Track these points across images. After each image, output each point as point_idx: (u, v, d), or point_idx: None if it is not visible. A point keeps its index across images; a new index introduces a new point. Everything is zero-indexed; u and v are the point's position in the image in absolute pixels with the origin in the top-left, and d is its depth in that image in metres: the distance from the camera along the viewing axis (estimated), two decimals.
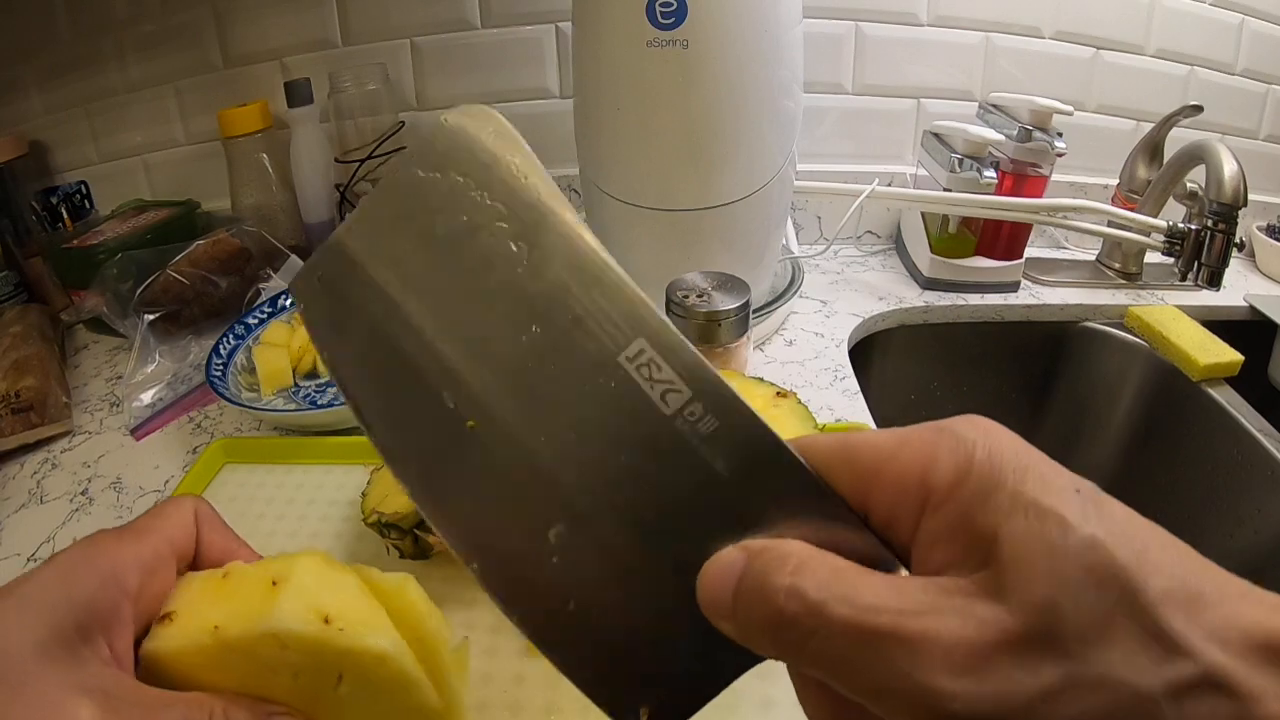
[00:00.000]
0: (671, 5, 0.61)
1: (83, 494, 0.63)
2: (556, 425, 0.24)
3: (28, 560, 0.56)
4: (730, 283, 0.59)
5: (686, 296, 0.57)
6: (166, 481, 0.63)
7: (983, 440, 0.21)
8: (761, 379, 0.52)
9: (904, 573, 0.22)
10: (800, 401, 0.49)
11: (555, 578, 0.23)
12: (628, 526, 0.23)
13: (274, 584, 0.28)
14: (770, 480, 0.22)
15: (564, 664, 0.24)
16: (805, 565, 0.20)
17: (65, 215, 0.94)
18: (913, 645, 0.18)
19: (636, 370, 0.23)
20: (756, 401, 0.49)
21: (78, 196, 0.95)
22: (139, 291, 0.76)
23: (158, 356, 0.75)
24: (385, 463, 0.25)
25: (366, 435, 0.26)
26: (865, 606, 0.19)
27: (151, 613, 0.28)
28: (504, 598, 0.24)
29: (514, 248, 0.24)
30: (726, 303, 0.57)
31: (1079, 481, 0.20)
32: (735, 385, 0.50)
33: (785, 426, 0.47)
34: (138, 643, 0.27)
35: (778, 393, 0.50)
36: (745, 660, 0.22)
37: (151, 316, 0.75)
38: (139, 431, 0.70)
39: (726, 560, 0.22)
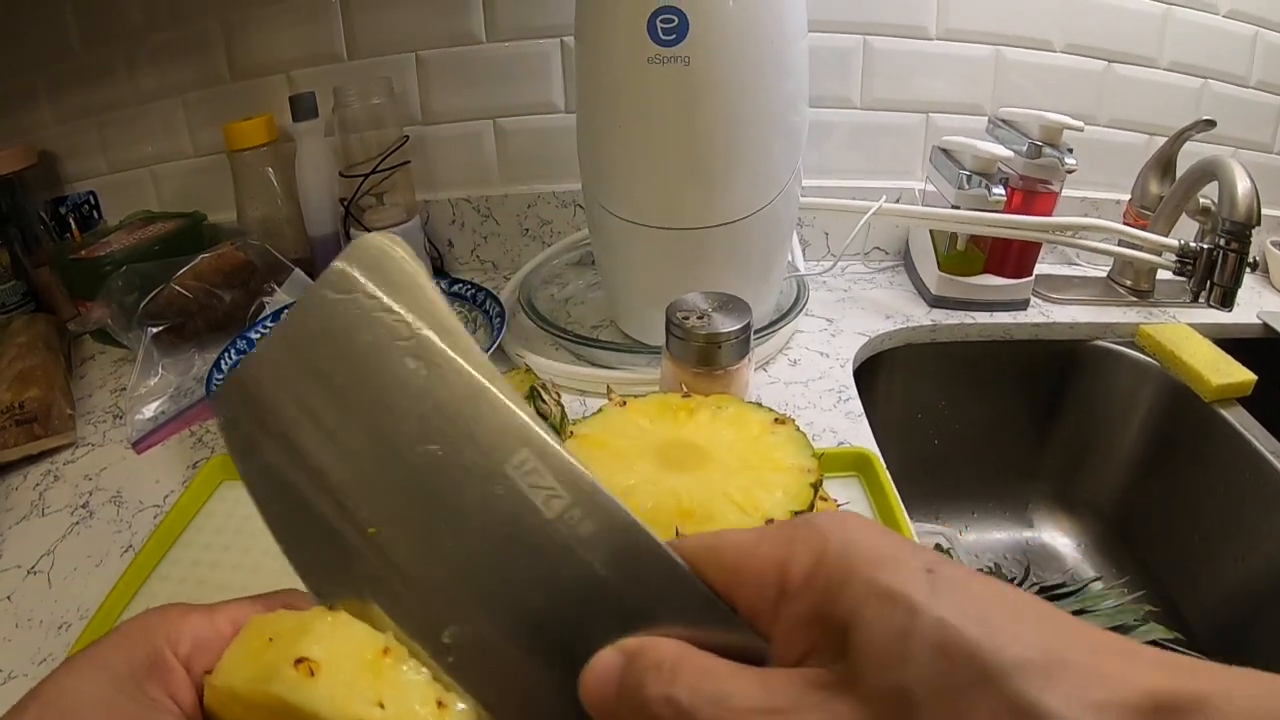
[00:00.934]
0: (673, 21, 0.61)
1: (83, 507, 0.63)
2: (451, 532, 0.25)
3: (28, 572, 0.57)
4: (731, 304, 0.59)
5: (686, 318, 0.57)
6: (166, 496, 0.63)
7: (838, 532, 0.22)
8: (760, 404, 0.52)
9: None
10: (799, 428, 0.49)
11: (454, 677, 0.25)
12: (518, 626, 0.25)
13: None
14: (646, 578, 0.24)
15: None
16: (678, 670, 0.21)
17: (73, 225, 0.94)
18: None
19: (522, 478, 0.25)
20: (754, 428, 0.49)
21: (86, 207, 0.96)
22: (143, 304, 0.76)
23: (161, 369, 0.75)
24: (294, 569, 0.27)
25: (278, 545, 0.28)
26: (735, 709, 0.20)
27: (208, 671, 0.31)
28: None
29: (411, 365, 0.27)
30: (727, 325, 0.56)
31: (935, 560, 0.21)
32: (732, 410, 0.49)
33: (783, 453, 0.47)
34: None
35: (775, 419, 0.49)
36: None
37: (155, 329, 0.75)
38: (140, 444, 0.70)
39: (605, 664, 0.23)
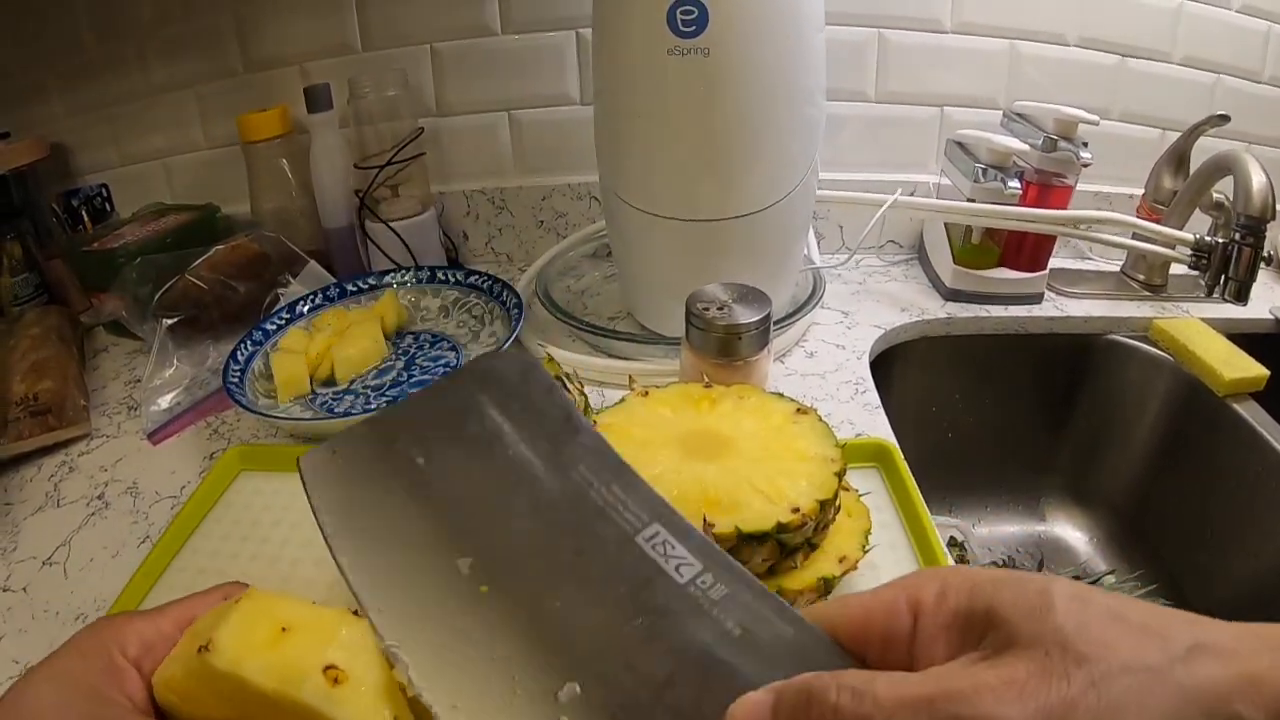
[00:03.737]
0: (693, 13, 0.60)
1: (99, 498, 0.63)
2: (574, 592, 0.27)
3: (43, 564, 0.57)
4: (751, 295, 0.58)
5: (706, 309, 0.57)
6: (183, 487, 0.63)
7: (949, 569, 0.25)
8: (781, 395, 0.52)
9: None
10: (820, 418, 0.49)
11: None
12: (641, 685, 0.25)
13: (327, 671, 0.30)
14: (777, 634, 0.25)
15: None
16: (827, 688, 0.23)
17: (86, 218, 0.94)
18: (964, 696, 0.21)
19: (652, 549, 0.27)
20: (776, 418, 0.49)
21: (98, 199, 0.96)
22: (158, 296, 0.76)
23: (176, 361, 0.75)
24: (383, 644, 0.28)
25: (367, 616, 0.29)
26: (914, 682, 0.22)
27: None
28: None
29: (540, 450, 0.30)
30: (747, 316, 0.56)
31: (1053, 583, 0.24)
32: (755, 400, 0.49)
33: (806, 443, 0.47)
34: None
35: (798, 409, 0.49)
36: None
37: (170, 321, 0.75)
38: (156, 436, 0.70)
39: (755, 698, 0.24)
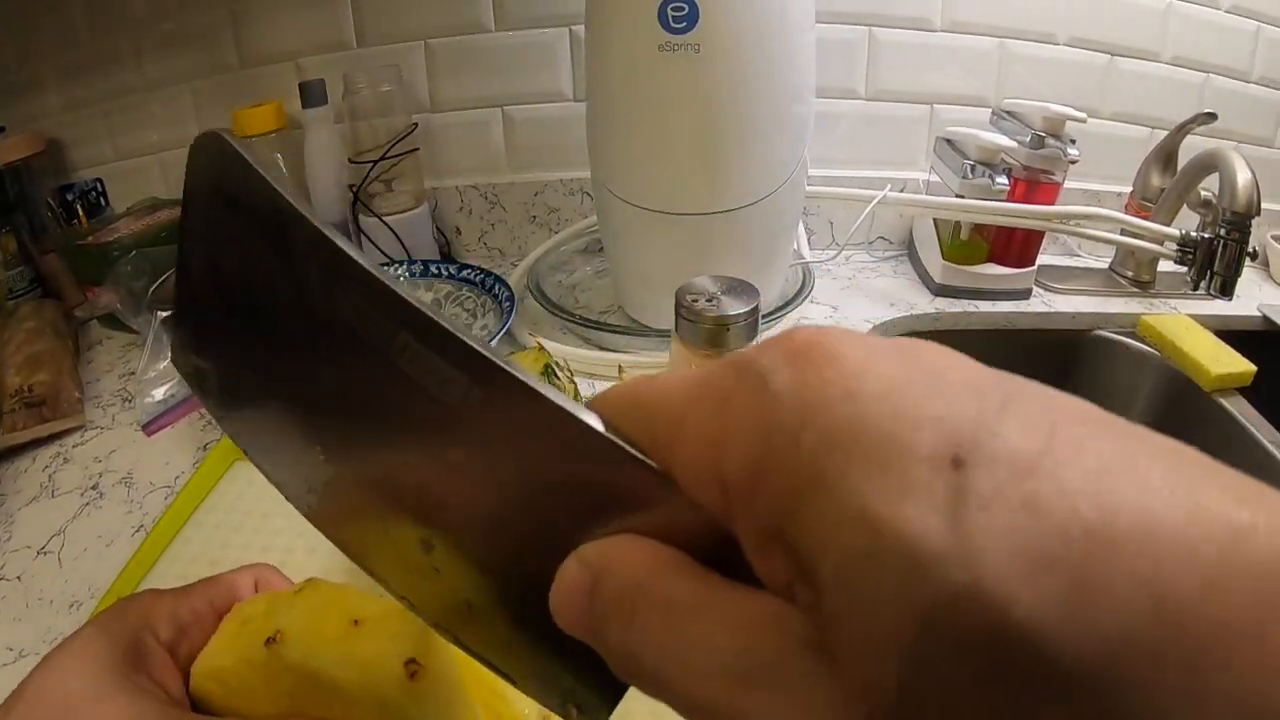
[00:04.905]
0: (683, 9, 0.61)
1: (93, 489, 0.63)
2: (370, 440, 0.23)
3: (38, 553, 0.57)
4: (740, 287, 0.59)
5: (695, 301, 0.57)
6: (177, 477, 0.64)
7: (792, 380, 0.13)
8: None
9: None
10: None
11: (442, 585, 0.23)
12: (484, 528, 0.21)
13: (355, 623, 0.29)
14: (569, 456, 0.19)
15: (493, 666, 0.23)
16: (636, 610, 0.15)
17: (80, 212, 0.94)
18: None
19: (409, 364, 0.21)
20: None
21: (93, 194, 0.96)
22: (152, 289, 0.76)
23: (170, 353, 0.75)
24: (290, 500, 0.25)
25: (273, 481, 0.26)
26: (699, 671, 0.14)
27: (192, 655, 0.30)
28: (414, 607, 0.23)
29: (275, 261, 0.23)
30: (735, 308, 0.57)
31: (972, 432, 0.12)
32: None
33: None
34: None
35: None
36: None
37: (164, 314, 0.76)
38: (150, 427, 0.70)
39: (570, 583, 0.17)
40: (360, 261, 0.21)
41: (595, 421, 0.18)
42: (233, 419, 0.26)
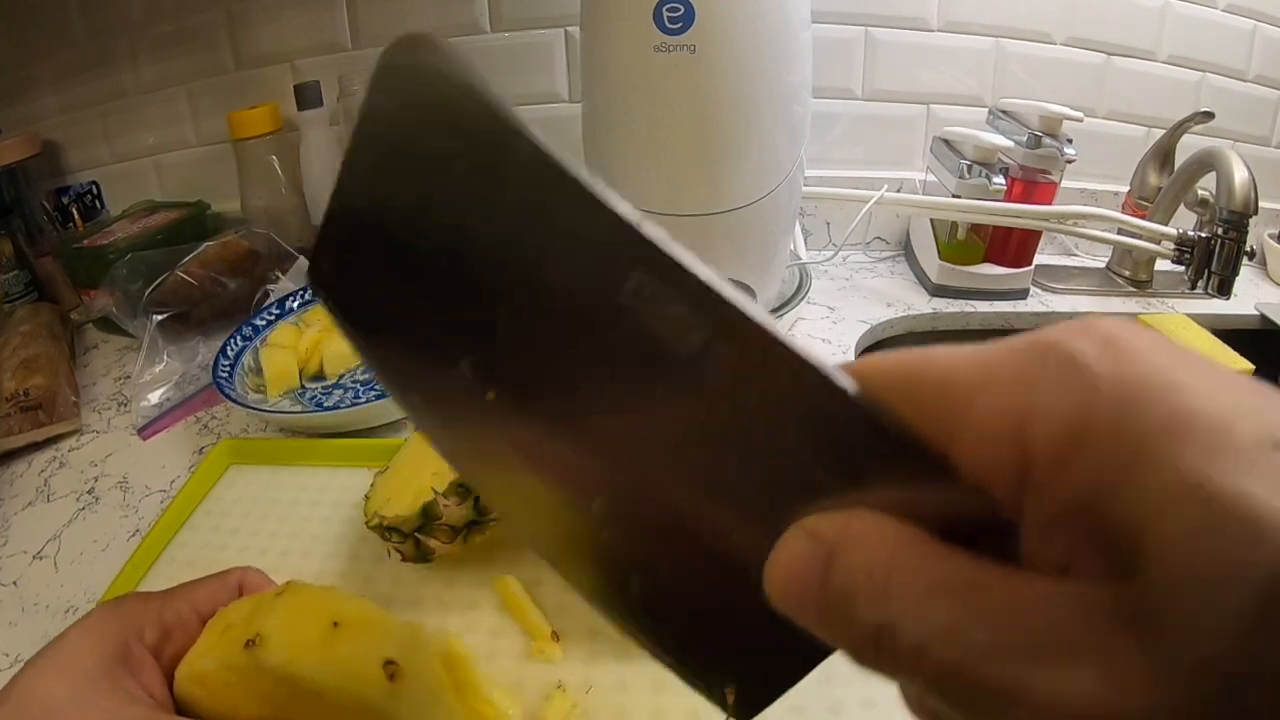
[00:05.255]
0: (679, 10, 0.61)
1: (89, 493, 0.63)
2: (568, 390, 0.20)
3: (34, 557, 0.57)
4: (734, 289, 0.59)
5: None
6: (172, 481, 0.64)
7: (1111, 369, 0.14)
8: None
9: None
10: None
11: (609, 555, 0.21)
12: (668, 500, 0.19)
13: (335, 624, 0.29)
14: (826, 418, 0.17)
15: (643, 644, 0.21)
16: (893, 585, 0.15)
17: (76, 215, 0.95)
18: (1036, 709, 0.13)
19: (643, 309, 0.18)
20: None
21: (89, 196, 0.96)
22: (148, 292, 0.76)
23: (166, 357, 0.75)
24: (429, 441, 0.23)
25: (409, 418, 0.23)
26: (982, 648, 0.13)
27: (177, 659, 0.30)
28: (565, 576, 0.22)
29: (481, 184, 0.20)
30: None
31: (1273, 417, 0.13)
32: None
33: None
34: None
35: None
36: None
37: (160, 317, 0.76)
38: (146, 431, 0.70)
39: (796, 558, 0.16)
40: (594, 188, 0.18)
41: (852, 388, 0.16)
42: (374, 346, 0.24)
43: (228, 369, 0.70)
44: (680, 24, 0.61)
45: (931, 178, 0.92)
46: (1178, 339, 0.79)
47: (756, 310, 0.17)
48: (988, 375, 0.15)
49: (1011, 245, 0.88)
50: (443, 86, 0.20)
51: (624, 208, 0.18)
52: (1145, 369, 0.13)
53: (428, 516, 0.45)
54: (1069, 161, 0.82)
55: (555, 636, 0.43)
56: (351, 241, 0.24)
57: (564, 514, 0.21)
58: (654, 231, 0.18)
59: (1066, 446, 0.14)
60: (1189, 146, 0.87)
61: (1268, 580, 0.11)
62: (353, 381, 0.73)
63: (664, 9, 0.61)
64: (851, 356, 0.78)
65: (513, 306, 0.20)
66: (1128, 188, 0.95)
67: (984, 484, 0.15)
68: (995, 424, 0.15)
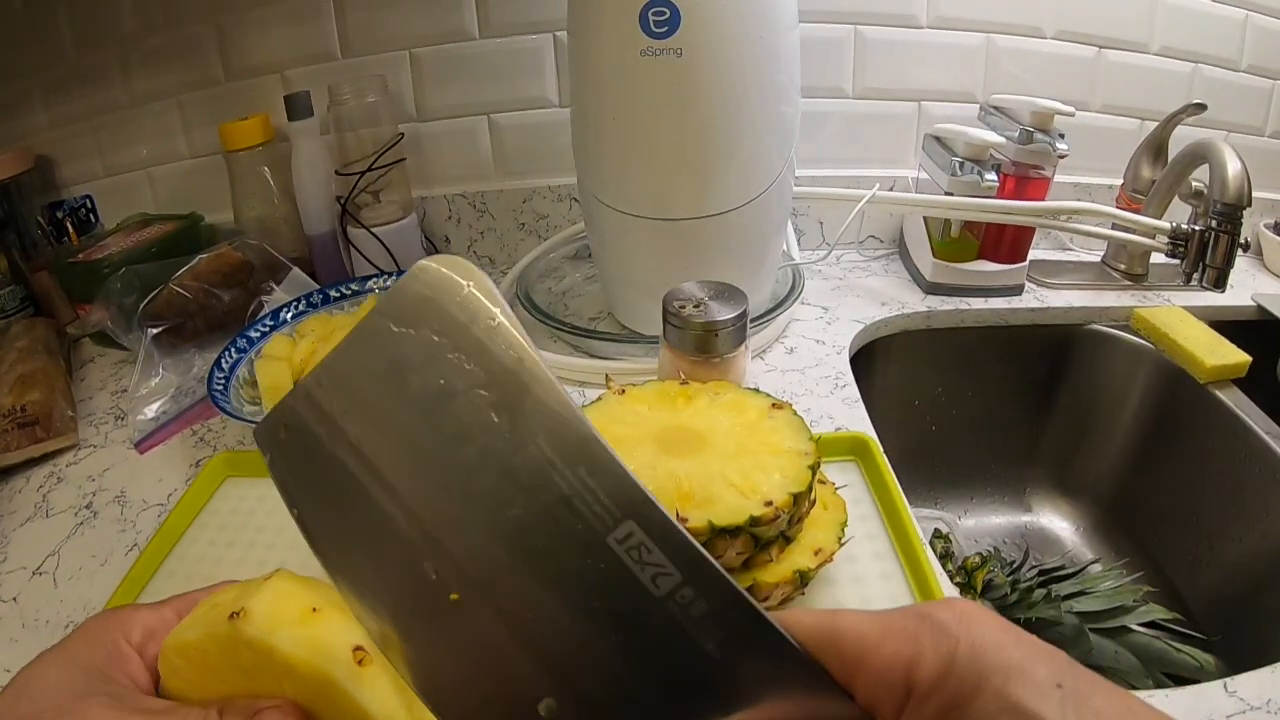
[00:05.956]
0: (664, 14, 0.61)
1: (87, 507, 0.64)
2: (544, 603, 0.23)
3: (33, 573, 0.57)
4: (728, 292, 0.59)
5: (683, 307, 0.57)
6: (170, 495, 0.64)
7: (966, 634, 0.22)
8: (758, 390, 0.52)
9: None
10: (796, 413, 0.49)
11: None
12: (618, 703, 0.23)
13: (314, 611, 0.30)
14: (760, 660, 0.23)
15: None
16: None
17: (71, 229, 0.95)
18: None
19: (626, 553, 0.23)
20: (751, 413, 0.49)
21: (83, 210, 0.96)
22: (143, 305, 0.76)
23: (161, 370, 0.75)
24: (361, 622, 0.25)
25: (339, 591, 0.25)
26: None
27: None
28: None
29: (494, 418, 0.24)
30: (723, 313, 0.57)
31: (1064, 672, 0.21)
32: (730, 396, 0.50)
33: (780, 437, 0.47)
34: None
35: (773, 404, 0.50)
36: None
37: (155, 330, 0.76)
38: (143, 445, 0.70)
39: None
40: (604, 445, 0.23)
41: (789, 636, 0.23)
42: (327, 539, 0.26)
43: (223, 381, 0.70)
44: (666, 28, 0.61)
45: (924, 175, 0.92)
46: (1175, 332, 0.79)
47: (721, 570, 0.22)
48: (887, 632, 0.23)
49: (1006, 241, 0.88)
50: (470, 315, 0.25)
51: (627, 467, 0.23)
52: (986, 633, 0.22)
53: None
54: (1061, 156, 0.82)
55: None
56: (315, 425, 0.26)
57: (505, 714, 0.24)
58: (648, 492, 0.23)
59: (937, 680, 0.22)
60: (1182, 138, 0.86)
61: None
62: None
63: (649, 13, 0.61)
64: (845, 356, 0.78)
65: (501, 528, 0.24)
66: (1121, 181, 0.94)
67: (872, 708, 0.23)
68: (892, 663, 0.22)
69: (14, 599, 0.55)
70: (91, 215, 0.97)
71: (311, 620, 0.30)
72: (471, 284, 0.25)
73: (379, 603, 0.25)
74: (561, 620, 0.23)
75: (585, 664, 0.23)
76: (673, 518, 0.23)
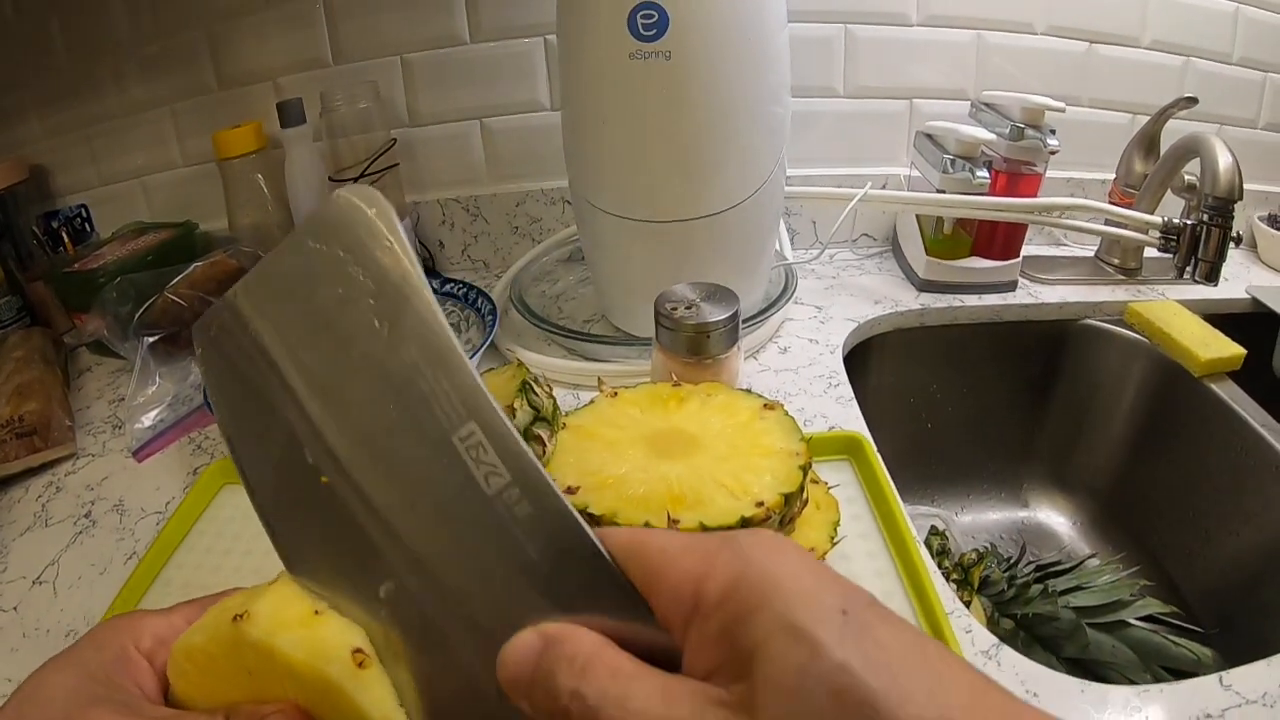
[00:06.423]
0: (653, 16, 0.61)
1: (86, 516, 0.64)
2: (397, 494, 0.27)
3: (33, 583, 0.57)
4: (719, 293, 0.59)
5: (675, 309, 0.58)
6: (168, 503, 0.64)
7: (761, 558, 0.22)
8: (750, 390, 0.52)
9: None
10: (787, 413, 0.49)
11: (386, 629, 0.27)
12: (447, 595, 0.25)
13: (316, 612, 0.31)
14: (573, 567, 0.24)
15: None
16: (589, 667, 0.22)
17: (66, 239, 0.95)
18: None
19: (466, 450, 0.25)
20: (742, 414, 0.49)
21: (78, 220, 0.97)
22: (139, 314, 0.76)
23: (158, 378, 0.76)
24: (251, 501, 0.30)
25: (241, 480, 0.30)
26: (634, 712, 0.21)
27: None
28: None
29: (377, 324, 0.27)
30: (715, 314, 0.57)
31: (855, 602, 0.21)
32: (721, 398, 0.50)
33: (771, 438, 0.47)
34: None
35: (765, 404, 0.50)
36: None
37: (151, 339, 0.76)
38: (140, 453, 0.70)
39: (523, 646, 0.24)
40: (461, 355, 0.26)
41: (600, 544, 0.24)
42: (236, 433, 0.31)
43: None
44: (654, 31, 0.61)
45: (916, 173, 0.92)
46: (1169, 326, 0.79)
47: (547, 477, 0.25)
48: (687, 550, 0.23)
49: (998, 238, 0.88)
50: (370, 234, 0.28)
51: (479, 377, 0.26)
52: (783, 561, 0.22)
53: None
54: (1052, 153, 0.82)
55: None
56: (235, 328, 0.30)
57: (356, 589, 0.27)
58: (494, 400, 0.26)
59: (723, 597, 0.22)
60: (1174, 132, 0.86)
61: (823, 675, 0.19)
62: None
63: (638, 15, 0.61)
64: (839, 355, 0.78)
65: (375, 422, 0.27)
66: (1113, 175, 0.95)
67: (666, 623, 0.23)
68: (683, 577, 0.23)
69: (14, 608, 0.55)
70: (86, 224, 0.98)
71: (313, 623, 0.30)
72: (374, 211, 0.29)
73: (264, 482, 0.30)
74: (408, 508, 0.26)
75: (423, 552, 0.26)
76: (512, 426, 0.26)
